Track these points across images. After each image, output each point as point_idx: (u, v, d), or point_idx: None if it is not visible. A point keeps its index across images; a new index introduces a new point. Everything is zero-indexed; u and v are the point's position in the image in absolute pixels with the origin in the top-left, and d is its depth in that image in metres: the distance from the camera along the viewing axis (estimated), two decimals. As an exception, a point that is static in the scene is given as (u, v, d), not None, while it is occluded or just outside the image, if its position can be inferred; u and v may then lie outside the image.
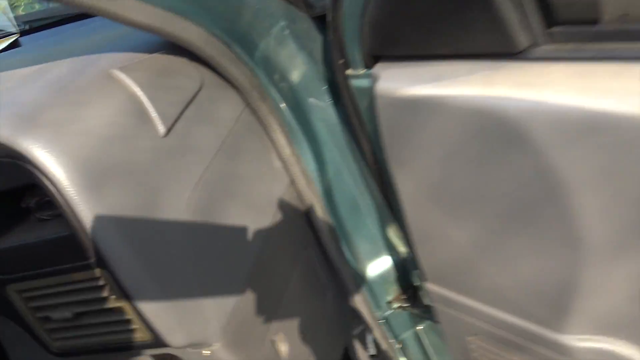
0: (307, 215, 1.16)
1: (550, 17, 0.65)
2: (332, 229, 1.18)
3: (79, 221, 0.72)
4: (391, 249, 1.29)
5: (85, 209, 0.71)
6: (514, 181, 0.73)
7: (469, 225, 0.84)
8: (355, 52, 0.87)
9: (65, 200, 0.71)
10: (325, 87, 1.07)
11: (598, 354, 0.82)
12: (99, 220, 0.72)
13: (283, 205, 1.09)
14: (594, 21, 0.62)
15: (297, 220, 1.15)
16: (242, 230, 0.95)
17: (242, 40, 0.93)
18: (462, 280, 0.94)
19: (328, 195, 1.17)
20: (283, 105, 1.04)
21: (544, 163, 0.68)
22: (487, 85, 0.69)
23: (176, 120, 0.85)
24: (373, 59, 0.85)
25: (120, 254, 0.75)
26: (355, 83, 0.90)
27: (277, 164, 1.08)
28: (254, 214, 1.01)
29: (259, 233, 1.00)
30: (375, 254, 1.29)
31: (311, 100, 1.07)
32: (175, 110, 0.85)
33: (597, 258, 0.72)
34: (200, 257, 0.85)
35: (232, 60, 0.91)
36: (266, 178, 1.05)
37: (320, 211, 1.15)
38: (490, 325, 0.95)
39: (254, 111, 1.00)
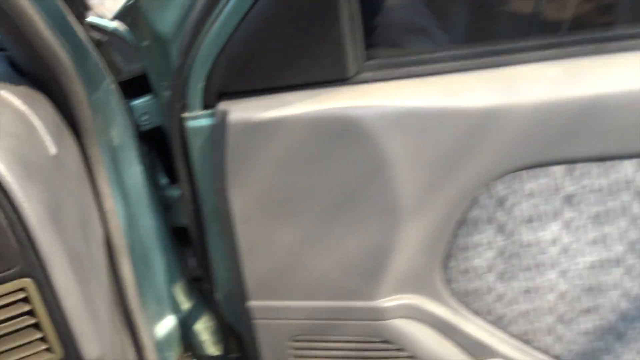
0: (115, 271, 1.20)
1: (368, 53, 1.01)
2: (134, 288, 1.23)
3: (15, 213, 0.70)
4: (175, 309, 1.38)
5: (24, 196, 0.70)
6: (342, 173, 1.02)
7: (299, 225, 1.08)
8: (197, 94, 1.06)
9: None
10: (134, 146, 1.19)
11: (403, 309, 1.14)
12: (38, 211, 0.72)
13: (103, 260, 1.12)
14: (396, 55, 1.01)
15: (109, 279, 1.17)
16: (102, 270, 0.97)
17: (87, 83, 1.02)
18: (285, 284, 1.15)
19: (131, 251, 1.23)
20: (105, 156, 1.12)
21: (369, 151, 1.00)
22: (327, 102, 1.00)
23: (59, 143, 0.88)
24: (217, 98, 1.06)
25: (58, 255, 0.73)
26: (192, 123, 1.08)
27: (96, 214, 1.12)
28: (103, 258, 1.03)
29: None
30: (161, 315, 1.36)
31: (124, 157, 1.17)
32: (56, 131, 0.88)
33: (403, 220, 1.05)
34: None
35: (85, 101, 0.99)
36: (97, 225, 1.09)
37: (127, 268, 1.20)
38: (312, 319, 1.17)
39: (86, 156, 1.06)
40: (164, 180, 1.33)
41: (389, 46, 1.03)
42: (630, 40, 0.95)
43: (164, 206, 1.32)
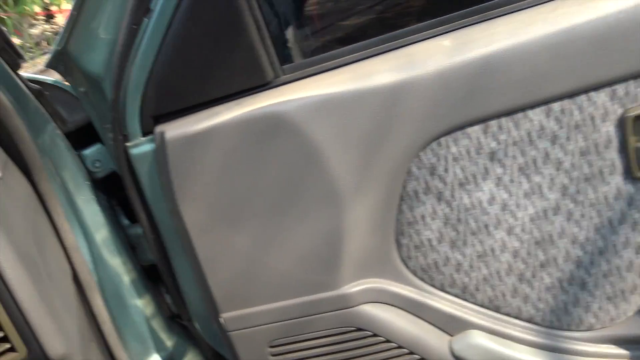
0: (88, 308, 1.32)
1: (282, 58, 1.18)
2: (111, 324, 1.36)
3: None
4: (159, 347, 1.50)
5: None
6: (279, 168, 1.16)
7: (249, 227, 1.21)
8: (134, 122, 1.22)
9: None
10: (89, 189, 1.35)
11: (368, 293, 1.25)
12: None
13: (72, 293, 1.25)
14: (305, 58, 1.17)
15: (80, 312, 1.30)
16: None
17: (31, 126, 1.18)
18: (250, 289, 1.27)
19: (103, 289, 1.36)
20: (61, 195, 1.27)
21: (298, 142, 1.14)
22: (252, 104, 1.15)
23: (4, 170, 1.03)
24: (153, 122, 1.21)
25: (6, 251, 0.87)
26: (136, 151, 1.23)
27: (59, 251, 1.26)
28: (59, 293, 1.17)
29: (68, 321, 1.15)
30: (145, 354, 1.47)
31: (80, 198, 1.32)
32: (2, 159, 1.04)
33: (346, 202, 1.18)
34: None
35: (28, 138, 1.15)
36: (59, 262, 1.22)
37: (99, 302, 1.33)
38: (284, 320, 1.28)
39: (39, 192, 1.21)
40: (125, 222, 1.47)
41: (301, 48, 1.19)
42: (503, 7, 1.12)
43: (129, 246, 1.46)
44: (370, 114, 1.11)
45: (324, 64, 1.17)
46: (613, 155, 1.12)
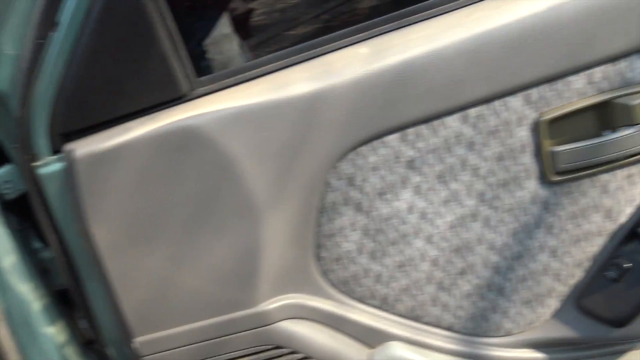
0: None
1: (198, 70, 1.15)
2: (16, 354, 1.28)
3: None
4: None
5: None
6: (192, 184, 1.12)
7: (162, 246, 1.16)
8: (42, 141, 1.16)
9: None
10: None
11: (287, 309, 1.23)
12: None
13: None
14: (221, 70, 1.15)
15: None
16: None
17: None
18: (164, 311, 1.21)
19: (10, 318, 1.28)
20: None
21: (213, 156, 1.11)
22: (165, 119, 1.12)
23: None
24: (63, 140, 1.16)
25: None
26: (44, 170, 1.17)
27: None
28: None
29: None
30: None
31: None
32: None
33: (262, 216, 1.16)
34: None
35: None
36: None
37: (4, 334, 1.25)
38: (199, 342, 1.24)
39: None
40: (37, 245, 1.40)
41: (217, 60, 1.17)
42: (422, 12, 1.14)
43: (41, 270, 1.38)
44: (287, 125, 1.10)
45: (241, 75, 1.15)
46: (528, 159, 1.15)
